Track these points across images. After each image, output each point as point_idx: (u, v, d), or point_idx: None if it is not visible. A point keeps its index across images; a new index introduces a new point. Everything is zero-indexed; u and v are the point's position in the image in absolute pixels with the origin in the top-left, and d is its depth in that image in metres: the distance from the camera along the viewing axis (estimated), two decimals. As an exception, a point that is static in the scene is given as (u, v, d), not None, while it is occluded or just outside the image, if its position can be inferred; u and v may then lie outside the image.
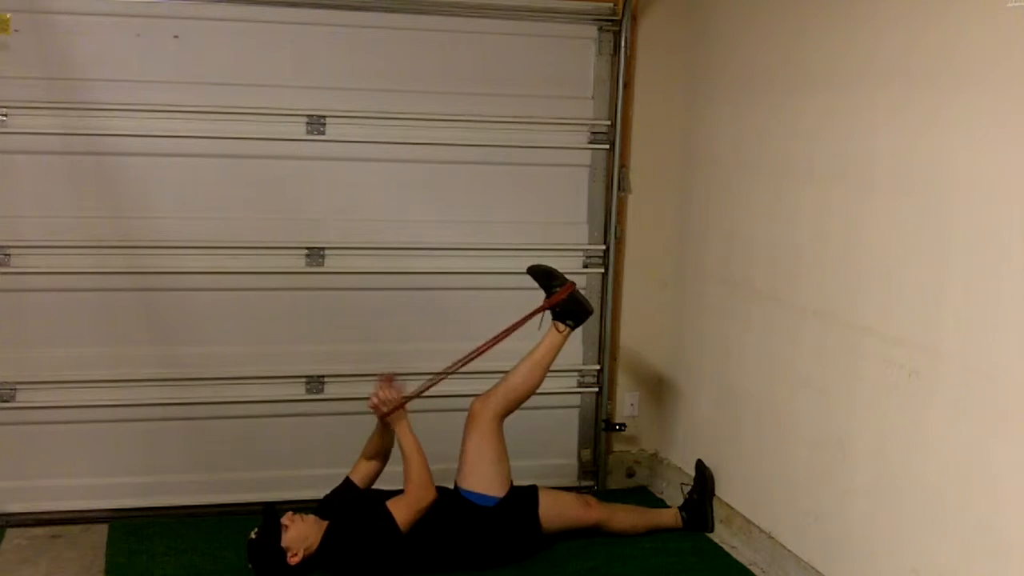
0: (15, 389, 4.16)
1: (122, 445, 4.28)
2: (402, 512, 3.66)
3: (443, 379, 3.96)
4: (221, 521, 4.25)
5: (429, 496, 3.70)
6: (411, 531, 3.68)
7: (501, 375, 4.55)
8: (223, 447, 4.38)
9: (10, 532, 4.10)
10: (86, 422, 4.23)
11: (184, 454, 4.35)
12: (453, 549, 3.78)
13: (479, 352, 3.96)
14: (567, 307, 4.01)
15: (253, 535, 3.64)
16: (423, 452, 3.75)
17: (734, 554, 4.10)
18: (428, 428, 4.48)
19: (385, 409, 3.78)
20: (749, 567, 3.99)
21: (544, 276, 4.06)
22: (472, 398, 4.44)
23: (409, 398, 3.84)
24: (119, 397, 4.24)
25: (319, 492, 4.39)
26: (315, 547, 3.64)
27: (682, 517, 4.25)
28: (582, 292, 4.13)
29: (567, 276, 4.08)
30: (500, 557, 3.86)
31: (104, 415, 4.24)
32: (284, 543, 3.60)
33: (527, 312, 4.02)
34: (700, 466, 4.32)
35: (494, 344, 3.96)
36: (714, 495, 4.28)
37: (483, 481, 3.87)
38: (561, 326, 4.01)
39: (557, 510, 3.99)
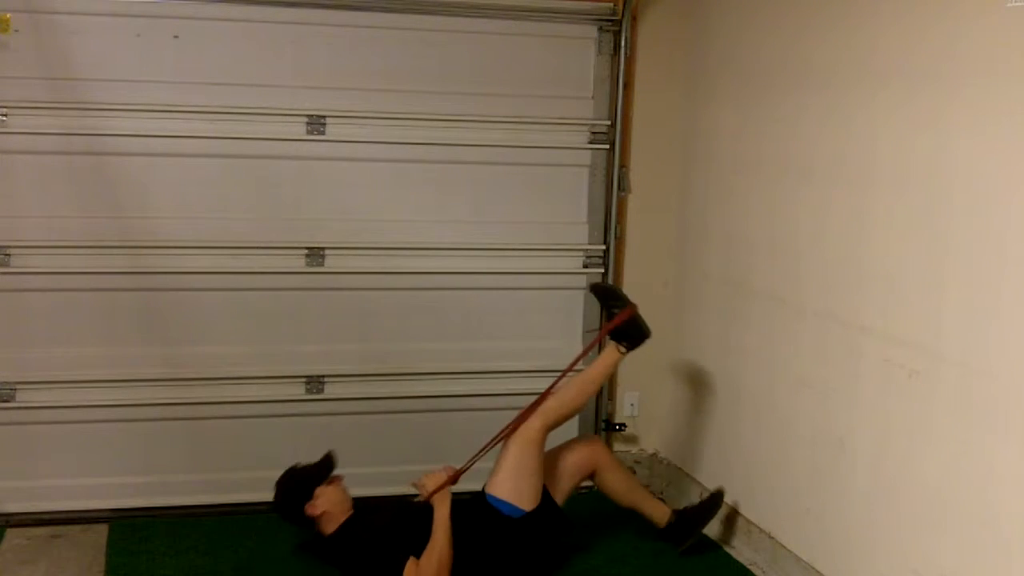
0: (15, 389, 4.16)
1: (122, 445, 4.28)
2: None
3: (493, 446, 3.86)
4: (221, 521, 4.25)
5: None
6: (427, 532, 3.60)
7: (503, 375, 4.58)
8: (223, 447, 4.38)
9: (10, 532, 4.10)
10: (86, 422, 4.23)
11: (184, 454, 4.35)
12: (468, 554, 3.65)
13: (542, 398, 3.89)
14: (625, 329, 3.93)
15: (299, 465, 3.64)
16: (450, 545, 3.58)
17: (734, 554, 4.10)
18: (430, 428, 4.50)
19: (430, 489, 3.68)
20: (749, 567, 3.99)
21: (606, 296, 4.00)
22: (465, 398, 4.45)
23: (456, 477, 3.74)
24: (119, 397, 4.24)
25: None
26: (330, 529, 3.61)
27: (670, 520, 4.07)
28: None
29: (628, 297, 3.99)
30: (515, 571, 3.77)
31: (104, 415, 4.24)
32: (317, 492, 3.59)
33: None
34: (717, 494, 4.10)
35: (558, 380, 3.92)
36: (706, 523, 4.06)
37: (513, 492, 3.75)
38: (619, 347, 3.94)
39: (564, 479, 3.92)
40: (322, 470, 3.67)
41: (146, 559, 3.91)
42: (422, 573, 3.50)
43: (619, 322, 3.91)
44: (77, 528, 4.16)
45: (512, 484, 3.75)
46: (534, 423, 3.79)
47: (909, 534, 3.20)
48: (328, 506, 3.63)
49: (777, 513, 3.94)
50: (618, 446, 4.85)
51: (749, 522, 4.09)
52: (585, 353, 4.00)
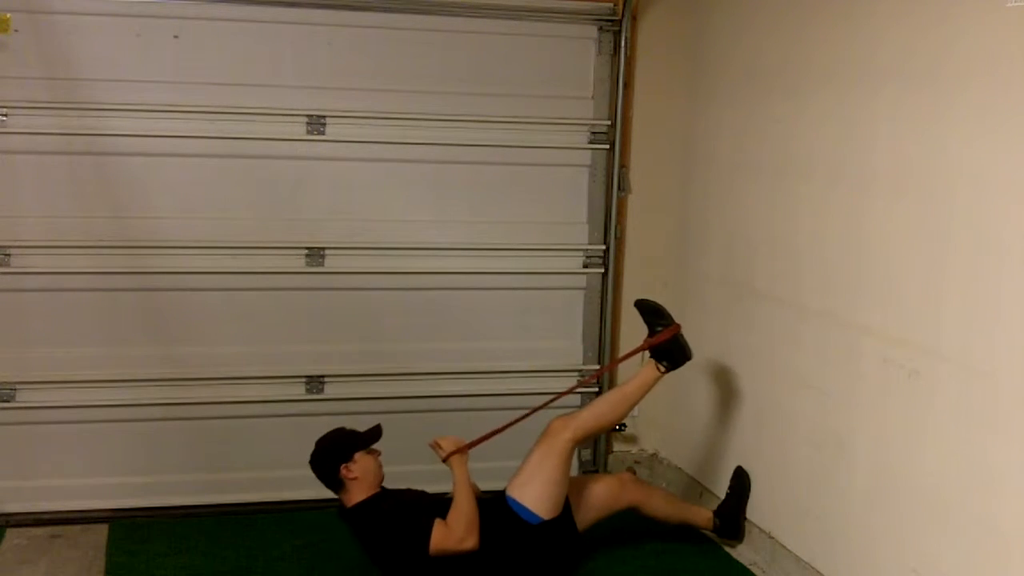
0: (15, 389, 4.16)
1: (122, 445, 4.28)
2: (440, 538, 3.50)
3: (511, 426, 3.83)
4: (221, 521, 4.25)
5: (469, 542, 3.52)
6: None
7: (503, 375, 4.58)
8: (223, 447, 4.38)
9: (10, 532, 4.10)
10: (86, 422, 4.23)
11: (184, 454, 4.35)
12: (480, 552, 3.61)
13: (568, 392, 3.94)
14: (667, 348, 3.88)
15: (347, 428, 3.67)
16: (474, 502, 3.58)
17: (734, 554, 4.10)
18: (430, 428, 4.48)
19: (448, 450, 3.67)
20: (749, 567, 3.99)
21: (651, 313, 3.94)
22: (465, 398, 4.45)
23: (472, 444, 3.72)
24: (119, 397, 4.24)
25: (319, 492, 4.40)
26: (356, 498, 3.59)
27: (715, 523, 4.10)
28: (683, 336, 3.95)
29: (672, 317, 3.94)
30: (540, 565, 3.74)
31: (104, 415, 4.24)
32: (356, 456, 3.59)
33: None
34: (738, 472, 4.13)
35: (591, 380, 3.89)
36: (746, 506, 4.09)
37: (533, 497, 3.69)
38: (659, 365, 3.88)
39: (588, 504, 3.86)
40: (368, 438, 3.66)
41: (146, 559, 3.91)
42: (451, 530, 3.50)
43: (662, 339, 3.86)
44: (77, 528, 4.15)
45: (534, 490, 3.70)
46: (564, 435, 3.74)
47: (909, 534, 3.20)
48: (362, 473, 3.60)
49: (777, 513, 3.94)
50: (618, 446, 4.85)
51: (749, 522, 4.09)
52: (622, 360, 3.98)
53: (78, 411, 4.21)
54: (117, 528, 4.16)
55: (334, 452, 3.64)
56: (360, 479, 3.61)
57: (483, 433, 3.77)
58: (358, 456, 3.62)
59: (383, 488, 3.70)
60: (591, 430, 3.88)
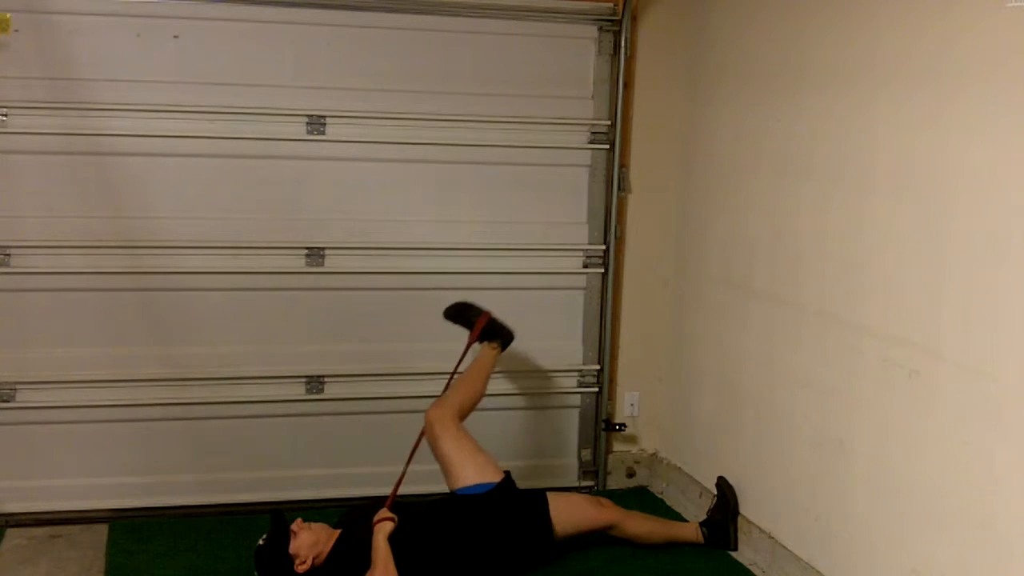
0: (15, 389, 4.16)
1: (122, 445, 4.28)
2: None
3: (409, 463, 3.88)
4: (221, 521, 4.25)
5: None
6: (419, 545, 3.60)
7: (503, 375, 4.58)
8: (223, 447, 4.38)
9: (10, 532, 4.11)
10: (86, 422, 4.23)
11: (184, 454, 4.35)
12: (464, 550, 3.68)
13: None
14: (490, 332, 4.14)
15: (261, 542, 3.59)
16: (389, 564, 3.49)
17: (734, 554, 4.10)
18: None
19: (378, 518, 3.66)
20: (749, 567, 3.99)
21: (461, 313, 4.17)
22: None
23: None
24: (119, 397, 4.24)
25: (319, 492, 4.43)
26: (324, 556, 3.58)
27: (703, 533, 4.13)
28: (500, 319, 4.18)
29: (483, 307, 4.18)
30: (512, 559, 3.78)
31: (104, 415, 4.24)
32: (292, 550, 3.53)
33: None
34: (721, 483, 4.18)
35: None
36: (739, 514, 4.12)
37: (476, 473, 3.82)
38: (491, 345, 4.15)
39: (568, 511, 3.90)
40: (281, 531, 3.59)
41: (146, 559, 3.91)
42: None
43: (479, 329, 4.10)
44: (77, 528, 4.16)
45: (470, 468, 3.83)
46: (445, 414, 3.90)
47: (909, 534, 3.20)
48: (312, 550, 3.57)
49: (777, 513, 3.94)
50: (618, 446, 4.85)
51: (749, 522, 4.09)
52: (459, 363, 4.06)
53: (78, 411, 4.21)
54: (117, 528, 4.16)
55: (278, 567, 3.55)
56: (318, 553, 3.57)
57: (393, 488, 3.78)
58: (292, 550, 3.54)
59: (341, 525, 3.71)
60: (466, 403, 4.01)
